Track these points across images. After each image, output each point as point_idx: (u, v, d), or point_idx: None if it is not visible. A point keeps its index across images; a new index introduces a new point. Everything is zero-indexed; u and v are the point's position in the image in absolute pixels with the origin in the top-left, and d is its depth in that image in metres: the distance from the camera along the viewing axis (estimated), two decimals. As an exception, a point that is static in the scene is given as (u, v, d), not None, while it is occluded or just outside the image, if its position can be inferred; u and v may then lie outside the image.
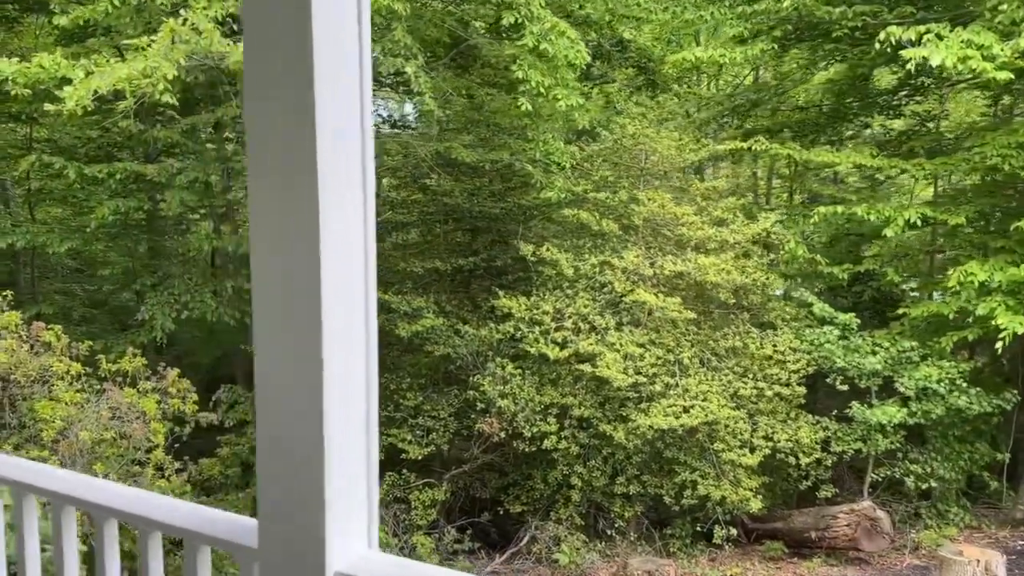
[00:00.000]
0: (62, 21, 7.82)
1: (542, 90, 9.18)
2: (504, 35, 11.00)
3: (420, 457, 11.55)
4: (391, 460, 11.98)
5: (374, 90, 15.26)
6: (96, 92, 6.78)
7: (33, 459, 8.24)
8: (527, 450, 10.77)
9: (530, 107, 9.06)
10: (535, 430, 10.51)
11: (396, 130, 17.38)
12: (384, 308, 11.88)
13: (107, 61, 7.38)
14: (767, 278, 10.49)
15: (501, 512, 11.80)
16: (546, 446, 10.42)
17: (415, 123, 18.16)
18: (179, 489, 9.25)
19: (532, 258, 10.76)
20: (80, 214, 14.51)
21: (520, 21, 9.09)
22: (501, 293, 10.82)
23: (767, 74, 18.42)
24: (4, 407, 8.76)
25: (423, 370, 12.34)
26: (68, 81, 7.21)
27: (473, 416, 11.41)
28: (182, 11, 6.86)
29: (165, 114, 12.25)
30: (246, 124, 1.49)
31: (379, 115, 17.15)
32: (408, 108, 19.33)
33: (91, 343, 9.34)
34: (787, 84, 14.42)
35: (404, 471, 11.80)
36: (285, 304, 1.48)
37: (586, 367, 9.99)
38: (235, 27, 7.35)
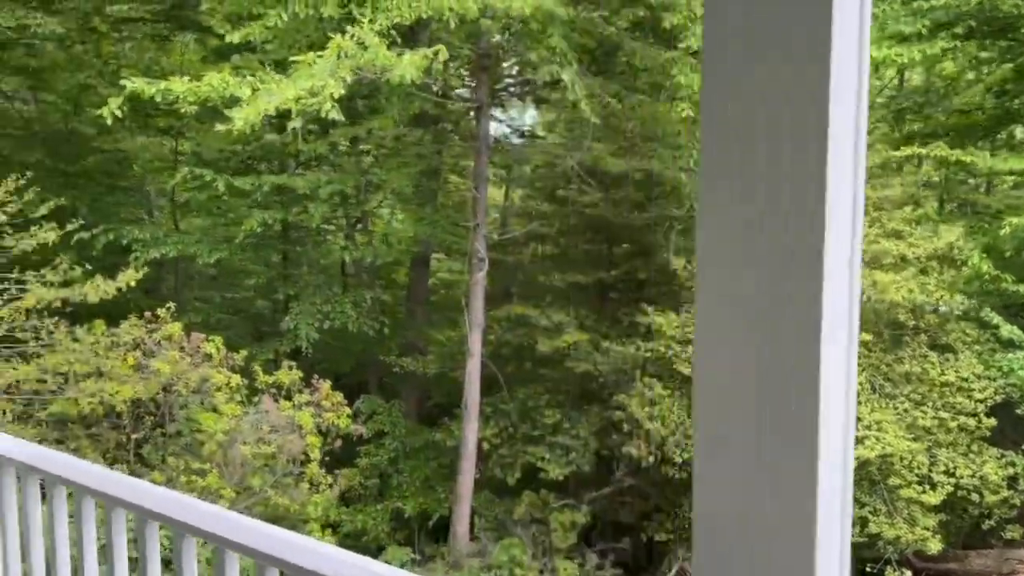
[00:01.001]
0: (233, 38, 7.92)
1: (705, 96, 8.66)
2: (653, 37, 10.52)
3: (560, 477, 11.18)
4: (529, 479, 11.67)
5: (505, 99, 15.06)
6: (262, 113, 6.74)
7: (194, 471, 8.36)
8: (677, 476, 10.23)
9: (692, 113, 8.57)
10: (687, 455, 9.96)
11: (524, 140, 17.19)
12: (524, 322, 11.62)
13: (271, 78, 7.36)
14: (948, 296, 9.59)
15: (644, 539, 11.29)
16: (699, 473, 9.82)
17: (541, 132, 17.90)
18: (331, 505, 9.22)
19: (683, 272, 10.24)
20: (225, 225, 14.92)
21: (682, 23, 8.62)
22: (650, 309, 10.33)
23: (916, 76, 17.19)
24: (165, 416, 8.93)
25: (562, 386, 11.97)
26: (236, 99, 7.22)
27: (615, 437, 10.96)
28: (349, 26, 6.76)
29: (307, 127, 12.44)
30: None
31: (507, 125, 16.96)
32: (528, 117, 19.11)
33: (246, 353, 9.46)
34: (957, 85, 13.33)
35: (543, 491, 11.47)
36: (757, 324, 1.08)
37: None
38: (398, 38, 7.20)
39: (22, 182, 8.31)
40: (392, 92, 9.18)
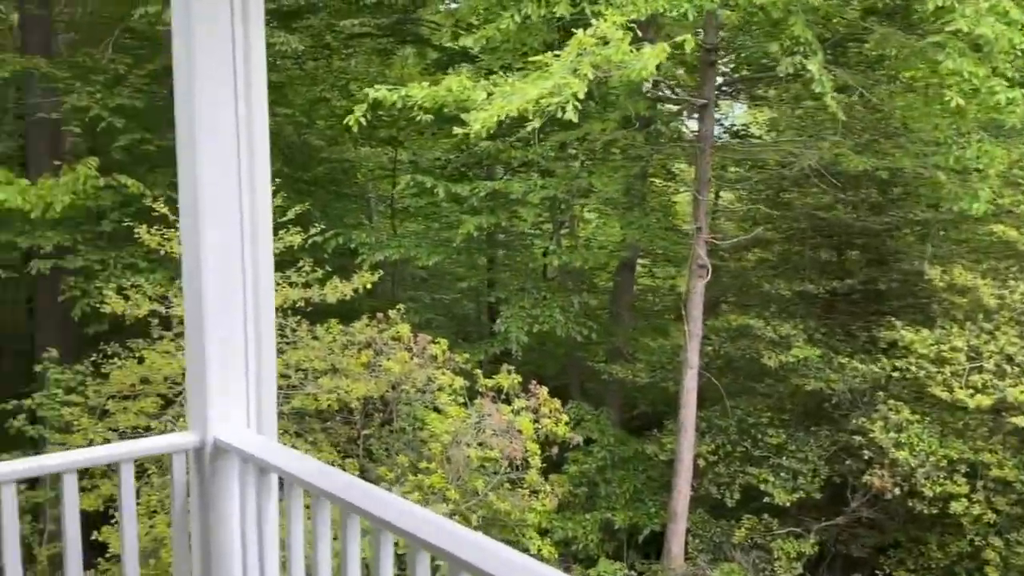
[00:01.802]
0: (467, 42, 7.97)
1: (976, 82, 7.61)
2: (900, 21, 9.46)
3: (785, 503, 10.34)
4: (748, 500, 10.92)
5: (722, 97, 14.29)
6: (502, 115, 6.63)
7: (420, 469, 8.46)
8: (924, 511, 9.10)
9: (961, 103, 7.54)
10: (938, 489, 8.83)
11: (737, 139, 16.32)
12: (746, 333, 10.89)
13: (505, 81, 7.27)
14: None
15: (878, 576, 10.20)
16: (954, 510, 8.68)
17: (756, 130, 16.91)
18: (550, 513, 9.04)
19: (940, 282, 9.10)
20: (439, 229, 15.33)
21: (948, 4, 7.61)
22: (898, 324, 9.27)
23: None
24: (393, 414, 9.13)
25: (787, 404, 11.10)
26: (471, 103, 7.19)
27: (851, 463, 9.96)
28: (575, 28, 6.51)
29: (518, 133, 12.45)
30: None
31: (720, 124, 16.16)
32: (735, 115, 18.13)
33: (467, 356, 9.52)
34: None
35: (765, 515, 10.68)
36: None
37: (1020, 419, 8.14)
38: (639, 33, 6.85)
39: (271, 189, 8.80)
40: (622, 90, 8.85)
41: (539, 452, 8.35)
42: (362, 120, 7.49)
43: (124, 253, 12.87)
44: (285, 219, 8.84)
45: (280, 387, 8.41)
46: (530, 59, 7.02)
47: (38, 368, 10.24)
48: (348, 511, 2.16)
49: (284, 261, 9.04)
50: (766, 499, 10.48)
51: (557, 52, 6.82)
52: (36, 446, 10.99)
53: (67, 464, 2.50)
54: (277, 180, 9.30)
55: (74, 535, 2.55)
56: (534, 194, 12.70)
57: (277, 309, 8.54)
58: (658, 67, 7.15)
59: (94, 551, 7.88)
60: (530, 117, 6.65)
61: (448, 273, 18.42)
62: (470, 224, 12.27)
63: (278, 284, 8.45)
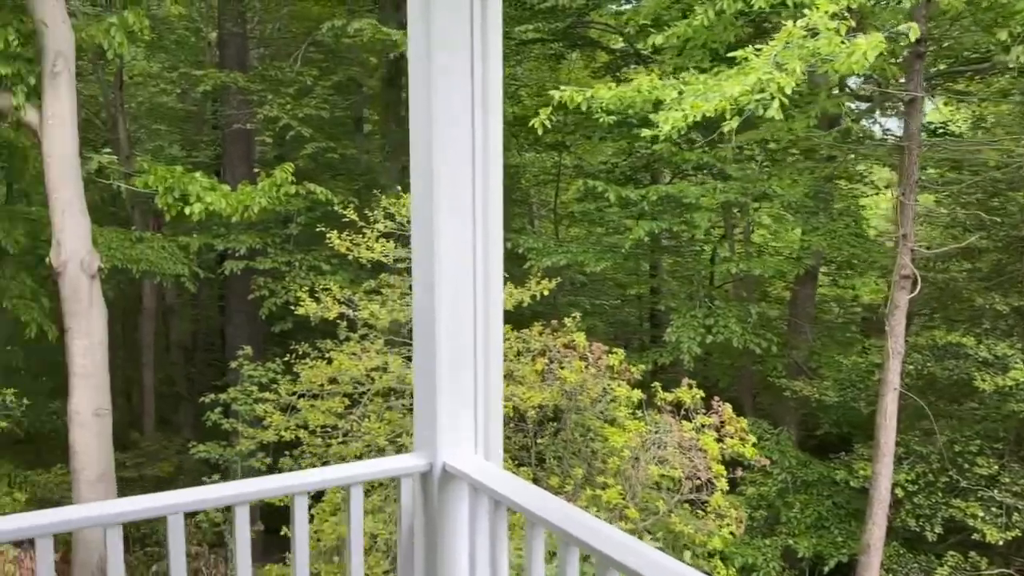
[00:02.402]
0: (657, 40, 7.64)
1: None
2: None
3: (997, 541, 9.22)
4: (953, 535, 9.85)
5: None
6: (692, 116, 6.23)
7: (597, 484, 8.18)
8: None
9: None
10: None
11: (936, 138, 14.90)
12: (954, 352, 9.83)
13: (695, 79, 6.85)
14: None
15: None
16: None
17: (956, 128, 15.37)
18: (737, 539, 8.50)
19: None
20: (606, 235, 15.03)
21: None
22: None
23: None
24: (566, 424, 8.90)
25: (1000, 432, 9.92)
26: (659, 103, 6.84)
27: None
28: (798, 12, 5.99)
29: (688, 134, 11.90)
30: None
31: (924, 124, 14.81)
32: (926, 112, 16.53)
33: (643, 369, 9.16)
34: None
35: (972, 553, 9.59)
36: None
37: None
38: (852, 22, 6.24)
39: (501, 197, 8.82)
40: (825, 87, 8.20)
41: (724, 473, 7.84)
42: (547, 123, 7.32)
43: (309, 256, 13.49)
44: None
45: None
46: (728, 55, 6.56)
47: (233, 364, 10.85)
48: (605, 564, 1.91)
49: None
50: (973, 535, 9.40)
51: (758, 46, 6.33)
52: (229, 438, 11.69)
53: (299, 486, 2.41)
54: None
55: (302, 559, 2.45)
56: (709, 197, 12.13)
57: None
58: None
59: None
60: (726, 116, 6.21)
61: (608, 279, 18.08)
62: (640, 229, 11.89)
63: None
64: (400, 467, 2.60)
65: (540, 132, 7.52)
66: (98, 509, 2.21)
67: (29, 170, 13.15)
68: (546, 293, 8.72)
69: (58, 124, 9.50)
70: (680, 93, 6.76)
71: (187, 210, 10.12)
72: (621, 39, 13.67)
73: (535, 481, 8.52)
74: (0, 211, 12.19)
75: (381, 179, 14.38)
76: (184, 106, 17.89)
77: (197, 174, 10.42)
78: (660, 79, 6.83)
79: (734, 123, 6.09)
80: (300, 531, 2.43)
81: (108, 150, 10.77)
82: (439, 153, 2.53)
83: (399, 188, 9.17)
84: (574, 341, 8.76)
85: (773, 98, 5.76)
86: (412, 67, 2.60)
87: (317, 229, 11.34)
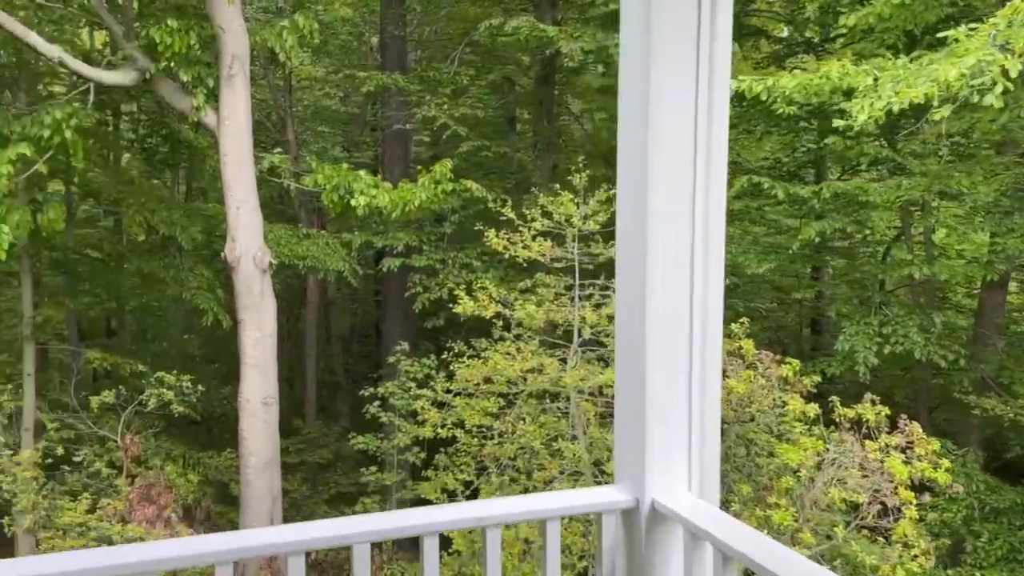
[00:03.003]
0: (849, 21, 6.94)
1: None
2: None
3: None
4: None
5: None
6: (896, 103, 5.52)
7: (769, 505, 7.55)
8: None
9: None
10: None
11: None
12: None
13: (893, 65, 6.10)
14: None
15: None
16: None
17: None
18: (923, 573, 7.62)
19: None
20: (768, 234, 14.15)
21: None
22: None
23: None
24: (732, 438, 8.31)
25: None
26: (851, 92, 6.15)
27: None
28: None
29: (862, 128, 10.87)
30: None
31: None
32: None
33: (816, 377, 8.42)
34: None
35: None
36: None
37: None
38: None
39: (612, 192, 8.47)
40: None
41: (913, 500, 7.02)
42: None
43: (461, 254, 13.51)
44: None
45: (611, 397, 7.99)
46: (929, 36, 5.80)
47: (390, 359, 10.97)
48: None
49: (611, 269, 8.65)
50: None
51: (972, 25, 5.53)
52: (384, 430, 11.88)
53: (492, 518, 2.12)
54: (607, 185, 8.98)
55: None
56: (888, 194, 11.06)
57: (612, 317, 8.16)
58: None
59: None
60: (935, 104, 5.46)
61: (765, 281, 17.06)
62: (811, 229, 11.01)
63: (611, 290, 8.04)
64: (601, 502, 2.26)
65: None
66: (277, 535, 2.01)
67: (207, 169, 13.92)
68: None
69: (234, 125, 9.90)
70: (875, 80, 6.04)
71: (352, 202, 10.29)
72: (788, 27, 12.78)
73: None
74: (181, 208, 12.93)
75: (533, 177, 14.19)
76: (346, 109, 18.49)
77: (360, 172, 10.60)
78: (853, 64, 6.13)
79: (945, 111, 5.35)
80: (493, 566, 2.15)
81: (279, 150, 11.15)
82: (654, 144, 2.17)
83: (556, 186, 8.90)
84: (741, 348, 8.15)
85: (995, 83, 4.98)
86: (626, 40, 2.26)
87: (476, 228, 11.29)
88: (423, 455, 10.07)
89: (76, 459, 10.09)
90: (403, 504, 10.43)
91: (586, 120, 17.37)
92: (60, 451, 10.09)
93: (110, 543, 8.74)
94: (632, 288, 2.24)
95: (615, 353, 2.42)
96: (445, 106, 13.14)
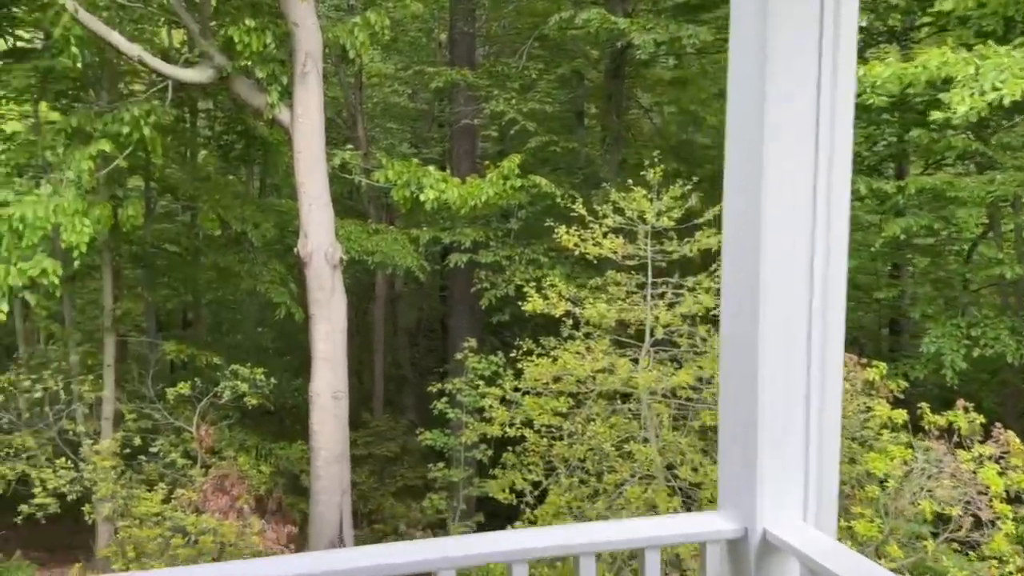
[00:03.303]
0: (945, 5, 6.50)
1: None
2: None
3: None
4: None
5: None
6: (1007, 95, 5.09)
7: (853, 515, 7.17)
8: None
9: None
10: None
11: None
12: None
13: (995, 52, 5.65)
14: None
15: None
16: None
17: None
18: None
19: None
20: (855, 230, 13.56)
21: None
22: None
23: None
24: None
25: None
26: (949, 81, 5.72)
27: None
28: None
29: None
30: None
31: None
32: None
33: (902, 381, 7.96)
34: None
35: None
36: None
37: None
38: None
39: (687, 187, 8.17)
40: None
41: (1010, 512, 6.55)
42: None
43: (528, 250, 13.34)
44: (703, 220, 8.11)
45: (690, 399, 7.71)
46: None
47: (458, 356, 10.88)
48: None
49: (697, 266, 8.35)
50: None
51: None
52: (448, 425, 11.83)
53: (584, 545, 1.92)
54: (694, 178, 8.67)
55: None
56: (979, 190, 10.43)
57: (688, 316, 7.86)
58: None
59: None
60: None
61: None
62: (896, 226, 10.47)
63: (695, 289, 7.75)
64: (704, 530, 2.04)
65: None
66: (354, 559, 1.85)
67: (280, 166, 14.06)
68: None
69: (307, 122, 9.92)
70: (977, 69, 5.61)
71: (421, 196, 10.22)
72: (870, 15, 12.16)
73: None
74: (254, 204, 13.09)
75: (601, 172, 13.92)
76: (414, 105, 18.50)
77: (430, 168, 10.52)
78: (953, 52, 5.70)
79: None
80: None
81: (350, 147, 11.16)
82: (771, 136, 1.94)
83: (630, 181, 8.63)
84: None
85: None
86: (738, 33, 2.03)
87: (543, 224, 11.10)
88: (490, 452, 9.94)
89: (153, 449, 10.30)
90: (470, 501, 10.34)
91: (655, 114, 16.98)
92: (137, 441, 10.31)
93: (184, 533, 8.88)
94: (741, 295, 2.01)
95: (720, 365, 2.20)
96: (513, 101, 12.97)
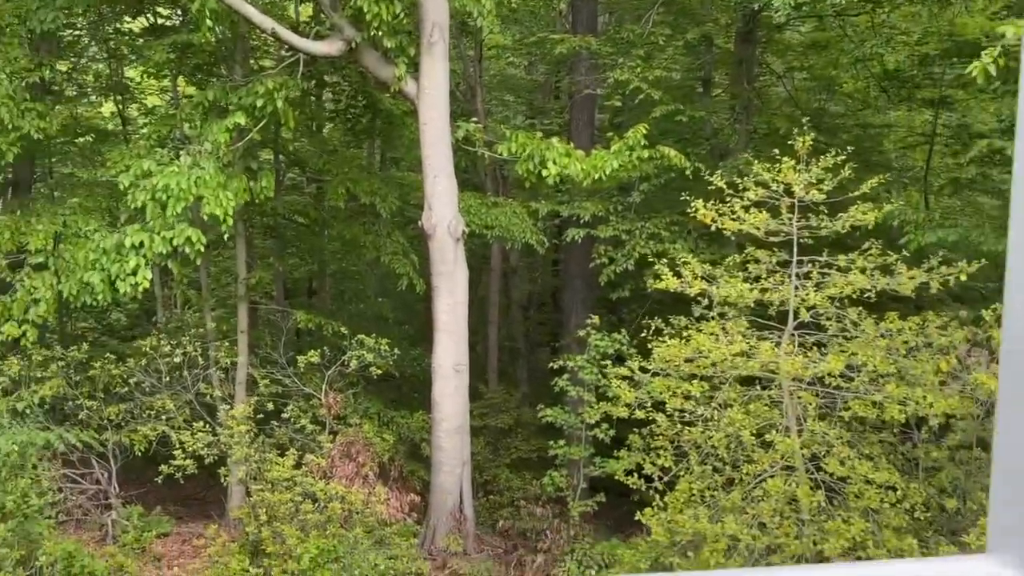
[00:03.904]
0: None
1: None
2: None
3: None
4: None
5: None
6: None
7: None
8: None
9: None
10: None
11: None
12: None
13: None
14: None
15: None
16: None
17: None
18: None
19: None
20: (1004, 206, 12.28)
21: None
22: None
23: None
24: (972, 441, 7.14)
25: None
26: None
27: None
28: None
29: None
30: None
31: None
32: None
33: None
34: None
35: None
36: None
37: None
38: None
39: (841, 157, 7.45)
40: None
41: None
42: (996, 64, 5.62)
43: (649, 224, 12.78)
44: (855, 194, 7.38)
45: (838, 388, 7.07)
46: None
47: (580, 332, 10.53)
48: None
49: (848, 244, 7.64)
50: None
51: None
52: (568, 402, 11.54)
53: None
54: (849, 149, 7.92)
55: None
56: None
57: (837, 298, 7.18)
58: None
59: None
60: None
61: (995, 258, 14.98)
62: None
63: (848, 269, 7.07)
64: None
65: (981, 80, 5.84)
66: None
67: (404, 138, 13.98)
68: (963, 278, 6.99)
69: (433, 93, 9.71)
70: None
71: (543, 173, 9.88)
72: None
73: (926, 507, 6.94)
74: (379, 177, 13.07)
75: (730, 143, 13.14)
76: (531, 77, 18.09)
77: (553, 140, 10.13)
78: None
79: None
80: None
81: (474, 119, 10.90)
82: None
83: (775, 151, 7.96)
84: (991, 339, 6.96)
85: None
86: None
87: (671, 197, 10.51)
88: (612, 432, 9.59)
89: (284, 415, 10.49)
90: (592, 480, 10.03)
91: (787, 80, 15.90)
92: (270, 406, 10.53)
93: (314, 499, 8.98)
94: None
95: (999, 383, 1.72)
96: (638, 69, 12.35)
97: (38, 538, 8.39)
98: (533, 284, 20.67)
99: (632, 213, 13.15)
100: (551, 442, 10.34)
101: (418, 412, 12.13)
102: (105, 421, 10.40)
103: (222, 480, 10.47)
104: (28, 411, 9.74)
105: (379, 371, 10.82)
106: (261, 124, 9.52)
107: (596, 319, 10.19)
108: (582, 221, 12.82)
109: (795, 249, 7.56)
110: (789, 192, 7.62)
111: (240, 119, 9.01)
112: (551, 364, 10.70)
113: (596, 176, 9.85)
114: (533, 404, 16.33)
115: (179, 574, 9.29)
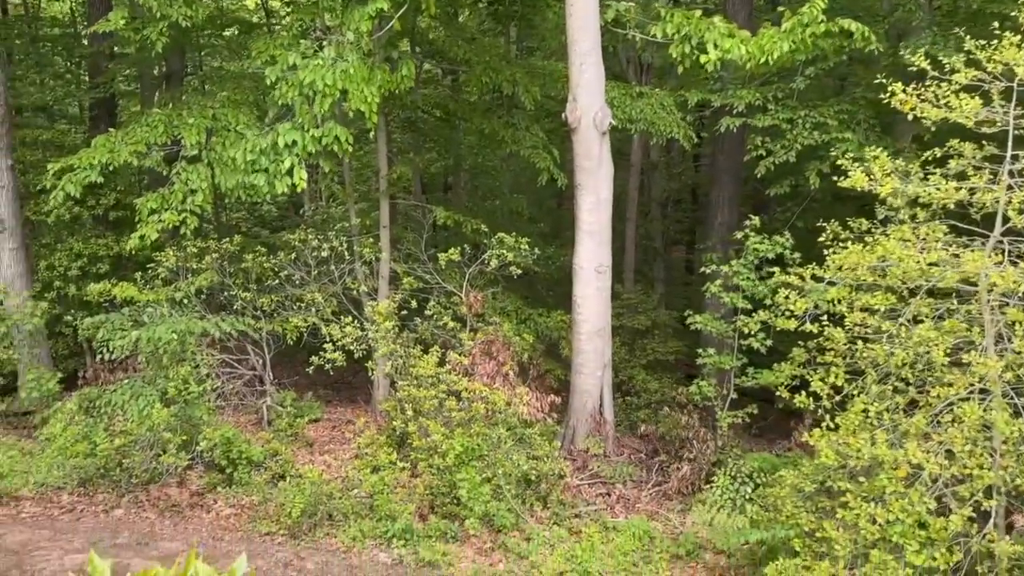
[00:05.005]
0: None
1: None
2: None
3: None
4: None
5: None
6: None
7: None
8: None
9: None
10: None
11: None
12: None
13: None
14: None
15: None
16: None
17: None
18: None
19: None
20: None
21: None
22: None
23: None
24: None
25: None
26: None
27: None
28: None
29: None
30: None
31: None
32: None
33: None
34: None
35: None
36: None
37: None
38: None
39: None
40: None
41: None
42: None
43: (815, 112, 11.42)
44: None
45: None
46: None
47: (738, 235, 9.63)
48: None
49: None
50: None
51: None
52: (710, 306, 10.79)
53: None
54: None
55: None
56: None
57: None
58: None
59: None
60: None
61: None
62: None
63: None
64: None
65: None
66: None
67: (548, 21, 12.99)
68: None
69: (583, -30, 8.72)
70: None
71: (703, 59, 8.80)
72: None
73: None
74: (521, 66, 12.27)
75: (912, 19, 11.36)
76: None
77: (715, 18, 8.96)
78: None
79: None
80: None
81: (624, -2, 9.80)
82: None
83: (995, 26, 6.59)
84: None
85: None
86: None
87: (841, 81, 9.17)
88: (768, 342, 8.82)
89: (426, 312, 10.35)
90: (741, 391, 9.37)
91: None
92: (414, 304, 10.40)
93: (458, 397, 8.85)
94: None
95: None
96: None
97: (199, 423, 8.72)
98: (670, 180, 19.53)
99: (794, 100, 11.78)
100: (699, 350, 9.70)
101: (556, 311, 11.74)
102: (259, 312, 10.62)
103: (369, 373, 10.56)
104: (186, 301, 10.03)
105: (519, 270, 10.43)
106: (403, 10, 8.90)
107: (756, 220, 9.24)
108: (735, 111, 11.62)
109: (1010, 142, 6.33)
110: (1008, 75, 6.32)
111: (383, 4, 8.43)
112: (702, 268, 9.90)
113: (763, 60, 8.66)
114: (669, 305, 15.63)
115: (329, 460, 9.53)
